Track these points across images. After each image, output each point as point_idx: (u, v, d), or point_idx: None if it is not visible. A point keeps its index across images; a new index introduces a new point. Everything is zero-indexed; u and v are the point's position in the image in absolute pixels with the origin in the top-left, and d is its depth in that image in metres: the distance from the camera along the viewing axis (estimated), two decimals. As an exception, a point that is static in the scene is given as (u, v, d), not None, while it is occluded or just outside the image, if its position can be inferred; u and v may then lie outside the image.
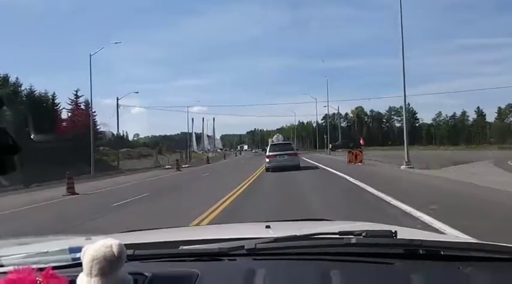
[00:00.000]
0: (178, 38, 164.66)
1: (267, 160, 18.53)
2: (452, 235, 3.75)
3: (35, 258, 1.02)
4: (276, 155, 18.46)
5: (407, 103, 19.83)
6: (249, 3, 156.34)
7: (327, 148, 59.75)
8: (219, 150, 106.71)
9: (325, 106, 52.66)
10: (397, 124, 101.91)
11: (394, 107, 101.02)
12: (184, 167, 29.96)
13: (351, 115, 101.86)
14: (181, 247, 1.10)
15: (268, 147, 20.82)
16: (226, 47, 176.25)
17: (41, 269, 0.81)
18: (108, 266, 0.81)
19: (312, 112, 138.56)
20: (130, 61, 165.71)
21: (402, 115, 26.70)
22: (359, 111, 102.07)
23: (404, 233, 1.18)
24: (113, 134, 45.21)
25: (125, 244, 0.94)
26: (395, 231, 1.03)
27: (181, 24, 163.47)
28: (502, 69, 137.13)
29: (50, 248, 1.13)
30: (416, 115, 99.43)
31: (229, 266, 1.01)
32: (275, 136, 36.96)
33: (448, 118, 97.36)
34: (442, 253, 0.98)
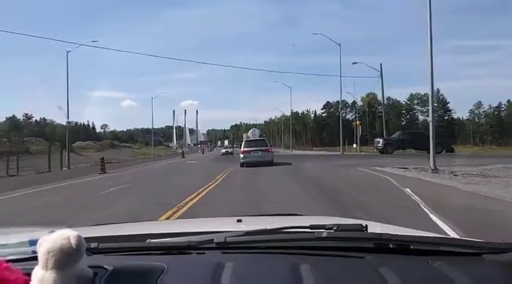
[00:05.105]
0: (169, 31, 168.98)
1: (242, 155, 22.05)
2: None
3: None
4: (251, 151, 21.97)
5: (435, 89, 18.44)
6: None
7: (356, 144, 43.06)
8: (198, 146, 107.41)
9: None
10: (421, 117, 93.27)
11: (418, 94, 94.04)
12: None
13: (360, 103, 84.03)
14: (148, 240, 1.23)
15: (243, 143, 23.77)
16: (219, 42, 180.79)
17: None
18: (65, 258, 0.88)
19: (307, 105, 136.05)
20: (117, 53, 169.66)
21: (428, 105, 24.14)
22: (371, 99, 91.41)
23: (375, 227, 1.32)
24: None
25: (90, 237, 1.06)
26: (366, 225, 1.17)
27: (173, 17, 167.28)
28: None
29: (10, 240, 1.24)
30: (448, 105, 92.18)
31: (198, 259, 1.13)
32: (250, 131, 35.35)
33: (492, 109, 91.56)
34: (411, 247, 1.12)
